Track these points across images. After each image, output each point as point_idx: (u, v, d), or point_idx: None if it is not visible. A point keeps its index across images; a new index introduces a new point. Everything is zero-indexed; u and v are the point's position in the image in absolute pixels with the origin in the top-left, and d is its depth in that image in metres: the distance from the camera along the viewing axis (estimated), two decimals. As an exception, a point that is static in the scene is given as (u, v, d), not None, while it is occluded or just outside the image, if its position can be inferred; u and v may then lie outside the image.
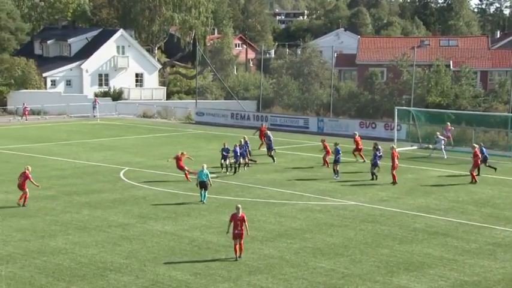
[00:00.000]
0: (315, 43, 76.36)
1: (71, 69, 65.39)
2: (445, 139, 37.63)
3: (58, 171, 31.05)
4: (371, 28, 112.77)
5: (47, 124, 51.61)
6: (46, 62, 66.67)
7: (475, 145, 30.66)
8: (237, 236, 17.97)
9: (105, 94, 64.54)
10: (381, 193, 27.11)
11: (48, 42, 69.97)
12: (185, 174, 28.64)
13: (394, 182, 28.51)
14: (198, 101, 58.76)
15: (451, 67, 60.05)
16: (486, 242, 20.20)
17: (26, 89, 60.99)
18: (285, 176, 30.48)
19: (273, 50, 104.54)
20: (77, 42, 68.51)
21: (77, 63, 65.56)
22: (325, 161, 32.68)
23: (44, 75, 63.89)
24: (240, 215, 17.99)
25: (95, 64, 66.21)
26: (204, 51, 71.21)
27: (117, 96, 64.71)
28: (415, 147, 39.98)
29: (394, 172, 28.60)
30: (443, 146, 36.73)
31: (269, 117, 50.80)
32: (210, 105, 59.44)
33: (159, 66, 71.47)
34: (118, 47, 67.48)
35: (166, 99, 68.22)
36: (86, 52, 66.89)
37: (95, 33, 69.58)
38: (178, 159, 28.76)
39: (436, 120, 42.99)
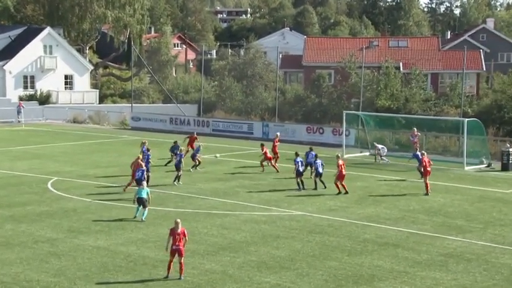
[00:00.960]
0: (259, 43, 76.91)
1: (-8, 70, 63.79)
2: (416, 143, 38.47)
3: (-22, 183, 30.15)
4: (318, 28, 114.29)
5: (-35, 130, 50.09)
6: (-36, 62, 64.86)
7: (424, 152, 31.24)
8: (174, 252, 17.77)
9: (30, 97, 63.20)
10: (329, 202, 27.41)
11: (-33, 40, 68.10)
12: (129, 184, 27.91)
13: (339, 192, 28.66)
14: (133, 105, 58.16)
15: (401, 69, 61.40)
16: (438, 252, 20.68)
17: None
18: (227, 185, 30.48)
19: (214, 51, 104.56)
20: (-1, 41, 66.94)
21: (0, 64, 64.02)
22: (262, 165, 33.87)
23: (-38, 76, 62.14)
24: (179, 229, 17.81)
25: (19, 65, 64.75)
26: (140, 51, 70.61)
27: (44, 99, 63.45)
28: (366, 154, 40.62)
29: (337, 182, 28.73)
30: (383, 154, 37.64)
31: (211, 122, 50.75)
32: (147, 110, 58.94)
33: (91, 67, 70.47)
34: (45, 47, 66.22)
35: (99, 103, 67.28)
36: (9, 52, 65.36)
37: (19, 31, 68.06)
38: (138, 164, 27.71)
39: (385, 124, 43.81)
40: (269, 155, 34.01)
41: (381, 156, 37.72)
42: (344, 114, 41.90)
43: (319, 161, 29.93)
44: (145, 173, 27.09)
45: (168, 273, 17.86)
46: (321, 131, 45.94)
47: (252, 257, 19.87)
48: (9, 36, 67.38)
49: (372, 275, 18.39)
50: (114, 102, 70.33)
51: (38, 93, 64.11)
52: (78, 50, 71.34)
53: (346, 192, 28.62)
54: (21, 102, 58.02)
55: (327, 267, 18.99)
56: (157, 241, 21.16)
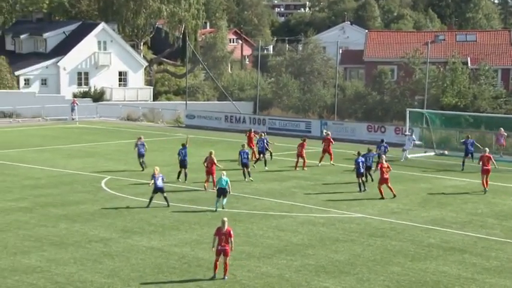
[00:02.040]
0: (317, 38, 76.56)
1: (46, 67, 65.40)
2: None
3: (32, 181, 31.01)
4: (380, 21, 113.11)
5: (19, 128, 51.58)
6: (19, 59, 66.65)
7: (486, 149, 30.80)
8: (220, 252, 17.93)
9: (84, 94, 64.54)
10: (391, 204, 27.13)
11: (21, 36, 70.00)
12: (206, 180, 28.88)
13: (381, 197, 27.84)
14: (188, 102, 58.81)
15: (469, 65, 60.27)
16: (508, 259, 20.23)
17: (-3, 88, 61.03)
18: (284, 186, 30.50)
19: (271, 46, 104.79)
20: (53, 37, 68.53)
21: (54, 60, 65.58)
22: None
23: (17, 73, 63.89)
24: (225, 229, 17.94)
25: (73, 61, 66.21)
26: (195, 47, 71.32)
27: (98, 96, 64.70)
28: (431, 154, 40.03)
29: (381, 187, 28.08)
30: (408, 148, 37.12)
31: (267, 120, 50.87)
32: (201, 107, 59.47)
33: (145, 63, 71.52)
34: (99, 43, 67.52)
35: (153, 100, 68.24)
36: (63, 48, 66.89)
37: (73, 27, 69.60)
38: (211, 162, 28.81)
39: (452, 123, 43.09)
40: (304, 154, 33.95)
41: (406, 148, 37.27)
42: (407, 112, 41.40)
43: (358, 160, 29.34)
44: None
45: (215, 273, 18.03)
46: (382, 129, 45.52)
47: (309, 260, 19.84)
48: (63, 32, 69.00)
49: (437, 282, 18.13)
50: (168, 99, 71.24)
51: (92, 90, 65.44)
52: (133, 46, 72.49)
53: (394, 196, 28.03)
54: (75, 99, 59.34)
55: (389, 273, 18.81)
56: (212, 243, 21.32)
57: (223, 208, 25.60)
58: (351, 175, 32.32)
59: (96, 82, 66.66)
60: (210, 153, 29.29)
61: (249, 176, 31.17)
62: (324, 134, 37.89)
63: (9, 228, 23.03)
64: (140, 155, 33.41)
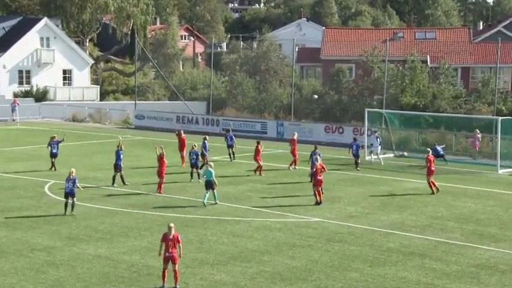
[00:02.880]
0: (273, 35, 76.97)
1: (-15, 65, 64.30)
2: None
3: (-31, 186, 30.39)
4: (337, 18, 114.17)
5: (-44, 130, 50.48)
6: (-45, 56, 65.38)
7: (428, 149, 31.62)
8: (168, 260, 17.90)
9: (26, 94, 63.63)
10: (349, 208, 27.36)
11: (-42, 32, 68.65)
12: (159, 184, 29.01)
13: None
14: (137, 102, 58.39)
15: (428, 63, 61.23)
16: (469, 263, 20.59)
17: None
18: (239, 189, 30.51)
19: (224, 43, 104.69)
20: (-8, 33, 67.42)
21: (-7, 57, 64.52)
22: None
23: (-47, 71, 62.65)
24: (172, 234, 17.94)
25: (14, 59, 65.23)
26: (145, 43, 70.87)
27: (41, 96, 63.86)
28: (389, 155, 40.52)
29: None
30: (379, 150, 37.75)
31: (221, 120, 50.84)
32: (151, 107, 59.13)
33: (91, 61, 70.82)
34: (42, 39, 66.65)
35: (100, 100, 67.60)
36: (3, 44, 65.86)
37: (13, 22, 68.56)
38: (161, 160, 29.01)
39: (411, 123, 43.69)
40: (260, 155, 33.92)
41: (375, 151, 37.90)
42: (366, 112, 41.82)
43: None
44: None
45: (164, 282, 17.94)
46: (340, 130, 45.90)
47: (265, 267, 19.88)
48: (2, 28, 67.88)
49: (396, 288, 18.36)
50: (116, 99, 70.63)
51: (34, 89, 64.54)
52: (78, 43, 71.71)
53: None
54: (16, 99, 58.47)
55: (347, 279, 18.97)
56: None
57: (216, 203, 26.85)
58: (306, 178, 32.53)
59: (39, 81, 65.75)
60: (161, 154, 29.29)
61: (198, 178, 31.06)
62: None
63: None
64: (53, 155, 34.00)
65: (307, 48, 77.35)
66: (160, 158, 29.26)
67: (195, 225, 24.19)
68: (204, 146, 34.45)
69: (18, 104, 56.41)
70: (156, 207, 26.78)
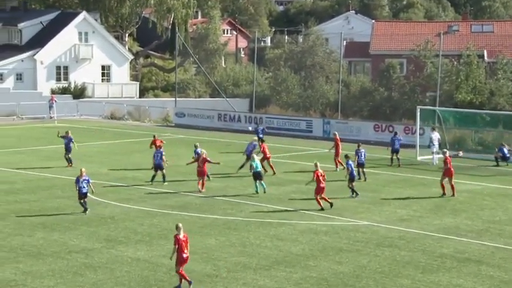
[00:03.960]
0: (319, 29, 76.72)
1: (22, 61, 65.36)
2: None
3: (6, 185, 30.97)
4: (388, 11, 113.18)
5: (-8, 127, 51.52)
6: (-9, 52, 66.65)
7: (445, 150, 31.12)
8: (187, 260, 18.37)
9: (64, 91, 64.50)
10: (400, 211, 27.16)
11: (-6, 27, 69.97)
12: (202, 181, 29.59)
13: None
14: (177, 99, 58.79)
15: (485, 58, 60.38)
16: (528, 270, 20.27)
17: (-33, 84, 60.98)
18: (283, 190, 30.51)
19: (268, 38, 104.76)
20: (29, 28, 68.48)
21: (30, 53, 65.54)
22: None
23: (-11, 67, 63.91)
24: (183, 235, 18.35)
25: (51, 54, 66.19)
26: (185, 38, 71.32)
27: (78, 93, 64.67)
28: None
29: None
30: (435, 150, 37.40)
31: (264, 118, 50.90)
32: (192, 105, 59.51)
33: (131, 56, 71.51)
34: (80, 34, 67.50)
35: (139, 97, 68.22)
36: (40, 40, 66.88)
37: (51, 16, 69.57)
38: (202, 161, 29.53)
39: (467, 122, 43.17)
40: (268, 154, 33.63)
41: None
42: (418, 110, 41.46)
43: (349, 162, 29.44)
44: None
45: (189, 280, 18.24)
46: (390, 129, 45.58)
47: (311, 272, 19.85)
48: (40, 22, 68.93)
49: (450, 296, 18.16)
50: (156, 96, 71.23)
51: (72, 85, 65.39)
52: (117, 38, 72.49)
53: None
54: (53, 96, 59.22)
55: (398, 286, 18.83)
56: (204, 253, 21.35)
57: (264, 192, 28.87)
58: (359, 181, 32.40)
59: (77, 77, 66.61)
60: (202, 153, 30.00)
61: (163, 180, 30.98)
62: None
63: (-19, 237, 23.00)
64: (68, 150, 35.12)
65: (355, 42, 76.95)
66: (203, 158, 29.65)
67: (237, 228, 24.27)
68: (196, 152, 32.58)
69: (55, 101, 57.11)
70: (196, 209, 26.94)
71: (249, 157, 33.77)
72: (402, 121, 51.55)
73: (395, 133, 38.11)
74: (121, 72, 69.48)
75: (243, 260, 20.72)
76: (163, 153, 31.31)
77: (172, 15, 74.30)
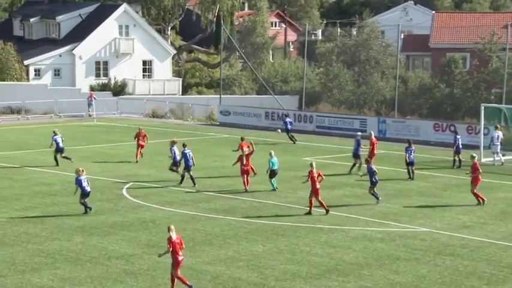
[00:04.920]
0: (375, 21, 76.08)
1: (60, 56, 66.31)
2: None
3: (43, 187, 31.46)
4: (449, 1, 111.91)
5: (28, 126, 52.39)
6: (28, 46, 67.70)
7: (474, 155, 29.77)
8: (181, 263, 18.66)
9: (103, 87, 65.22)
10: (462, 217, 26.85)
11: (31, 20, 71.08)
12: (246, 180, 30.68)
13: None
14: (222, 96, 59.00)
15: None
16: None
17: (3, 80, 62.00)
18: (335, 194, 30.41)
19: (320, 30, 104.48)
20: (67, 21, 69.43)
21: (68, 47, 66.43)
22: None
23: (26, 62, 64.91)
24: (176, 236, 18.63)
25: (90, 49, 66.98)
26: (231, 32, 71.55)
27: (119, 90, 65.33)
28: (510, 157, 39.48)
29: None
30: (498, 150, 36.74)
31: (315, 117, 50.78)
32: (238, 102, 59.64)
33: (173, 51, 72.02)
34: (120, 27, 68.19)
35: (182, 94, 68.65)
36: (79, 33, 67.73)
37: (90, 9, 70.42)
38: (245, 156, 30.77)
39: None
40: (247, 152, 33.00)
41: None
42: (482, 107, 40.94)
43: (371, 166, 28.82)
44: None
45: (189, 284, 18.43)
46: (452, 128, 45.07)
47: (365, 282, 19.75)
48: (79, 15, 69.83)
49: (517, 310, 17.89)
50: (199, 93, 71.61)
51: (112, 82, 66.11)
52: (159, 31, 73.06)
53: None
54: (92, 92, 59.91)
55: (460, 298, 18.61)
56: (250, 260, 21.39)
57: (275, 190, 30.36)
58: (413, 182, 32.17)
59: (117, 73, 67.32)
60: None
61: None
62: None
63: (17, 242, 23.39)
64: (60, 150, 36.06)
65: (414, 35, 76.24)
66: (247, 154, 30.70)
67: (285, 234, 24.25)
68: (172, 152, 32.29)
69: (94, 98, 57.68)
70: (242, 213, 26.99)
71: (357, 156, 33.93)
72: (464, 120, 50.89)
73: (456, 133, 37.68)
74: (163, 68, 70.02)
75: (291, 268, 20.69)
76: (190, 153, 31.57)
77: (218, 7, 74.57)
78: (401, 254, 22.32)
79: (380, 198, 28.63)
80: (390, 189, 31.58)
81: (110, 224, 25.47)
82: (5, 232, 24.33)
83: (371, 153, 34.75)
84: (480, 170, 28.62)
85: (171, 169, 32.10)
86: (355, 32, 74.80)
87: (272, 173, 30.55)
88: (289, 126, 44.38)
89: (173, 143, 32.42)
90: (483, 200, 28.58)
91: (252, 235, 24.14)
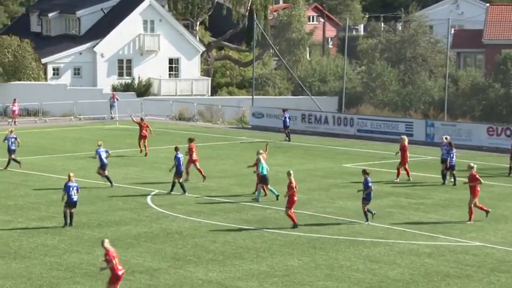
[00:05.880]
0: (422, 14, 75.73)
1: (80, 53, 66.81)
2: None
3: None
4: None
5: (46, 129, 52.81)
6: (46, 43, 68.31)
7: (472, 164, 28.68)
8: (122, 277, 18.74)
9: (126, 87, 65.56)
10: (519, 230, 26.61)
11: (50, 15, 71.66)
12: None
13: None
14: (255, 97, 59.03)
15: None
16: None
17: (19, 80, 62.61)
18: (378, 204, 30.23)
19: (361, 26, 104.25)
20: (88, 16, 69.95)
21: (89, 44, 66.89)
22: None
23: (44, 61, 65.45)
24: (113, 250, 18.71)
25: (113, 46, 67.38)
26: (265, 27, 71.61)
27: (143, 90, 65.62)
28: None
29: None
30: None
31: (356, 119, 50.61)
32: (272, 103, 59.61)
33: (202, 48, 72.23)
34: (145, 22, 68.52)
35: (211, 95, 68.81)
36: (100, 29, 68.18)
37: (113, 3, 70.76)
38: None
39: None
40: (195, 157, 33.52)
41: None
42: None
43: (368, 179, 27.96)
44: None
45: None
46: (508, 132, 44.71)
47: (411, 301, 19.64)
48: (101, 9, 70.28)
49: None
50: (230, 93, 71.70)
51: (136, 81, 66.44)
52: (187, 27, 73.32)
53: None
54: (115, 93, 60.28)
55: (516, 320, 18.42)
56: (285, 276, 21.35)
57: (258, 200, 30.11)
58: (464, 192, 31.88)
59: (141, 72, 67.64)
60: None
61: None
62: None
63: (34, 254, 23.59)
64: (11, 151, 36.35)
65: (465, 30, 75.73)
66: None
67: (323, 247, 24.18)
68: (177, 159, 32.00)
69: (117, 99, 58.08)
70: (275, 224, 26.95)
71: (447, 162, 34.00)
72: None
73: None
74: (191, 67, 70.20)
75: (330, 285, 20.63)
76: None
77: (250, 1, 74.69)
78: (452, 270, 22.16)
79: (368, 222, 27.18)
80: (438, 199, 31.35)
81: (133, 235, 25.59)
82: (21, 244, 24.55)
83: (403, 160, 34.57)
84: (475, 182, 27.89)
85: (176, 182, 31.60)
86: (400, 27, 74.53)
87: (263, 180, 30.18)
88: (287, 123, 46.91)
89: (177, 149, 32.13)
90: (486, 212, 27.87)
91: (287, 248, 24.10)
